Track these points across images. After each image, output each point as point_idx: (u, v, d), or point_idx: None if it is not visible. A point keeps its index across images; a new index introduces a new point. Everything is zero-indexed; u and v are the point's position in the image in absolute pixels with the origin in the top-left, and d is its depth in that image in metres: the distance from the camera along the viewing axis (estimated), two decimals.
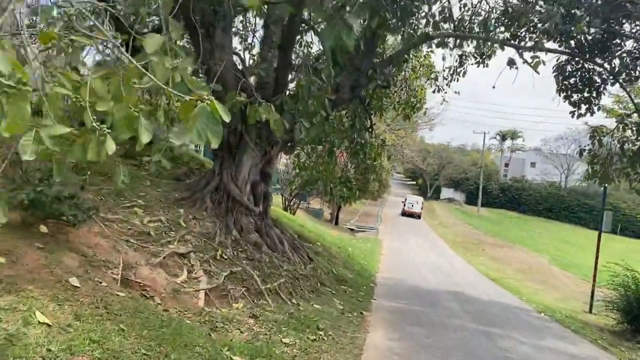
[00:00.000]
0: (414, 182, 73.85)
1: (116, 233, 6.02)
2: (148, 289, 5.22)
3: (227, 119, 2.31)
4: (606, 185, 12.29)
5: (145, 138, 2.33)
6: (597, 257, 15.76)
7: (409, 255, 20.68)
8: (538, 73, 11.46)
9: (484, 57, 13.38)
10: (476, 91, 61.43)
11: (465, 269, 18.77)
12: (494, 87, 11.63)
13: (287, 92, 8.06)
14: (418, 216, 42.90)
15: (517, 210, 64.39)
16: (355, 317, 7.51)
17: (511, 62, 10.46)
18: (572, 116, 12.12)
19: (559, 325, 9.99)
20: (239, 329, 5.22)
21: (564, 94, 12.13)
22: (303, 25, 10.35)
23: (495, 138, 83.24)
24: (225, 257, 7.12)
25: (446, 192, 68.80)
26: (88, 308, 3.91)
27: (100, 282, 4.59)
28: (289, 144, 9.68)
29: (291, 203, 23.51)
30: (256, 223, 8.28)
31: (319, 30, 11.01)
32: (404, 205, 44.40)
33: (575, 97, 12.05)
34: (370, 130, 12.96)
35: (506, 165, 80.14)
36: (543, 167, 69.59)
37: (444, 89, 13.89)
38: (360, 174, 30.88)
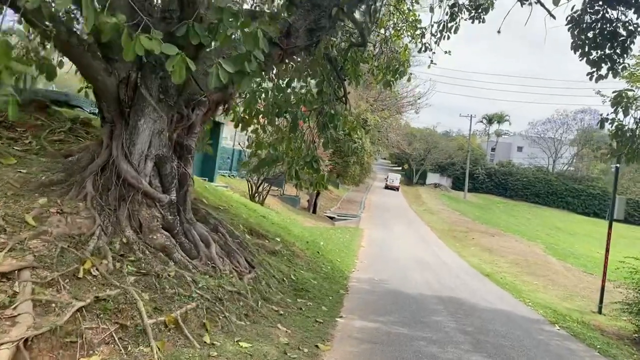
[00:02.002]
0: (400, 168, 71.97)
1: None
2: None
3: None
4: (624, 165, 10.01)
5: None
6: (607, 250, 13.68)
7: (393, 247, 18.33)
8: (554, 18, 9.07)
9: (480, 10, 10.95)
10: (462, 74, 59.99)
11: (456, 264, 16.50)
12: (499, 32, 9.14)
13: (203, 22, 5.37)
14: (397, 189, 55.20)
15: (504, 195, 63.21)
16: (305, 356, 5.04)
17: None
18: (591, 78, 9.78)
19: (581, 344, 7.70)
20: None
21: (580, 50, 9.76)
22: None
23: (482, 122, 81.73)
24: (97, 272, 4.55)
25: (432, 177, 67.44)
26: None
27: None
28: (224, 106, 7.06)
29: (259, 189, 20.83)
30: (165, 218, 5.70)
31: None
32: (386, 181, 57.50)
33: (594, 54, 9.70)
34: (343, 100, 10.44)
35: (492, 149, 78.68)
36: (530, 151, 68.17)
37: (431, 49, 11.42)
38: (340, 157, 28.54)
